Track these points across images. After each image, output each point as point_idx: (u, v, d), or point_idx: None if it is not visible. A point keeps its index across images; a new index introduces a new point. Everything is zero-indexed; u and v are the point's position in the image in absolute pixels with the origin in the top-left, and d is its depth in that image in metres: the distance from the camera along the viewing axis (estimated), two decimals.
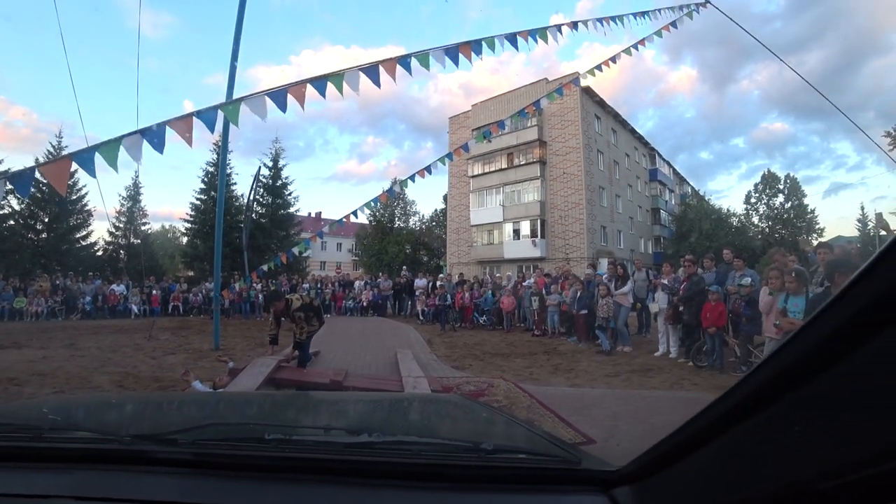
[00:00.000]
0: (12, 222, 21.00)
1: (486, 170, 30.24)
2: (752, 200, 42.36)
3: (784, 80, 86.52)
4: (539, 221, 27.60)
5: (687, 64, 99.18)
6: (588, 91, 27.66)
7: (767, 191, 41.83)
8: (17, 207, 20.96)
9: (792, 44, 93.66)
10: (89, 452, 0.81)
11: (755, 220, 41.79)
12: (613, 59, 8.57)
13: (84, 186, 22.40)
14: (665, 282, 7.94)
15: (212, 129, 4.04)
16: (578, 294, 9.44)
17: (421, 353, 8.48)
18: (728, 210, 40.10)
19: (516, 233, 28.59)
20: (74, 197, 22.41)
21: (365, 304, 16.67)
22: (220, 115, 4.11)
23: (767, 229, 40.45)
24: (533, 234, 27.75)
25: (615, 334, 8.44)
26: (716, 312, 6.44)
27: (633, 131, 34.96)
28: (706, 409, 0.60)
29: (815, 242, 14.52)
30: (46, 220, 21.73)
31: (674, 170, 43.93)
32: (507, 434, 1.16)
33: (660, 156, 39.13)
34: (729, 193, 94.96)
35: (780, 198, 41.39)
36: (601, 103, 29.95)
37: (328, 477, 0.76)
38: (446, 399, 1.91)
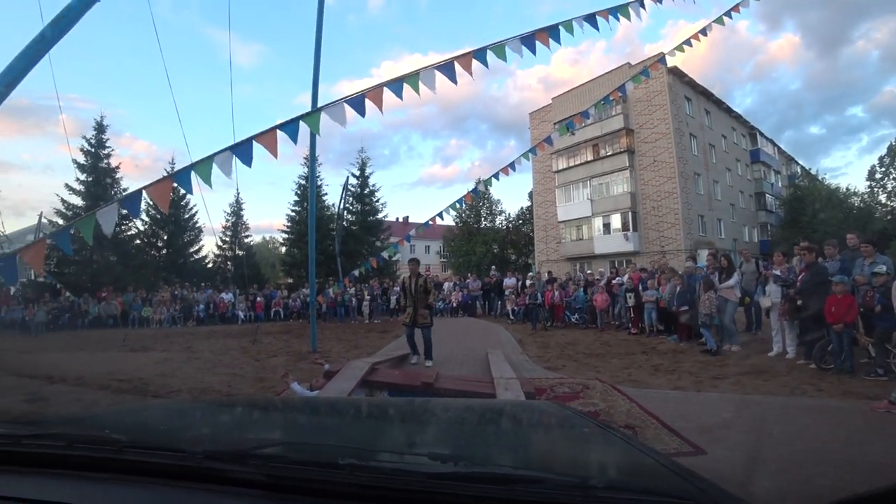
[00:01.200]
0: (138, 241, 23.74)
1: (572, 163, 29.26)
2: (878, 176, 36.51)
3: None
4: (630, 214, 26.24)
5: (788, 30, 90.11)
6: (676, 71, 25.91)
7: None
8: (141, 228, 23.71)
9: None
10: (165, 468, 0.82)
11: (882, 198, 36.14)
12: (703, 32, 7.90)
13: (194, 206, 24.78)
14: (778, 273, 7.16)
15: (294, 140, 4.22)
16: (678, 289, 8.84)
17: (512, 353, 8.37)
18: (847, 189, 35.84)
19: (606, 227, 27.36)
20: (187, 216, 24.85)
21: (455, 304, 16.86)
22: (302, 126, 4.28)
23: None
24: (624, 227, 26.43)
25: (721, 332, 7.78)
26: (843, 306, 5.63)
27: (728, 110, 32.13)
28: None
29: None
30: (165, 237, 24.30)
31: (779, 149, 39.62)
32: (616, 459, 1.01)
33: (761, 134, 35.51)
34: (847, 170, 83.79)
35: None
36: (691, 83, 27.91)
37: None
38: (540, 408, 1.76)
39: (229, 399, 3.81)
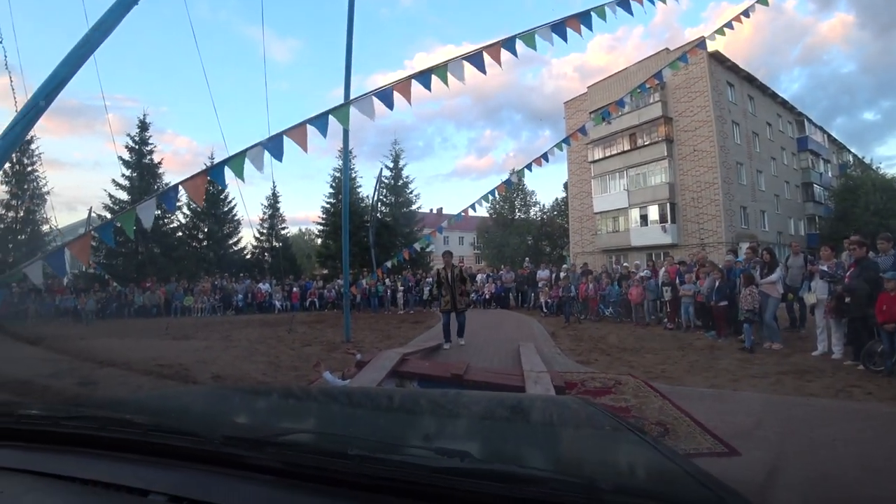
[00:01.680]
0: (180, 234, 24.73)
1: (608, 153, 28.62)
2: None
3: None
4: (668, 205, 25.56)
5: (840, 9, 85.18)
6: (717, 56, 24.93)
7: None
8: (183, 221, 24.69)
9: None
10: (186, 451, 0.87)
11: None
12: (746, 13, 7.55)
13: (233, 199, 25.53)
14: (825, 268, 6.79)
15: (324, 135, 4.27)
16: (717, 283, 8.56)
17: (544, 346, 8.32)
18: None
19: (643, 218, 26.75)
20: (225, 209, 25.63)
21: (487, 296, 16.87)
22: (333, 120, 4.33)
23: None
24: (662, 219, 25.79)
25: (761, 329, 7.49)
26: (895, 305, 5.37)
27: (774, 96, 30.63)
28: None
29: None
30: (206, 230, 25.14)
31: (829, 136, 37.51)
32: (633, 462, 0.98)
33: (810, 121, 33.72)
34: None
35: None
36: (734, 68, 26.78)
37: (411, 501, 0.72)
38: (563, 404, 1.74)
39: (255, 387, 3.93)
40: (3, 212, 20.78)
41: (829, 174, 35.81)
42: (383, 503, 0.73)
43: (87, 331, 12.33)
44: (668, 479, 0.84)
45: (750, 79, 28.12)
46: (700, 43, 9.65)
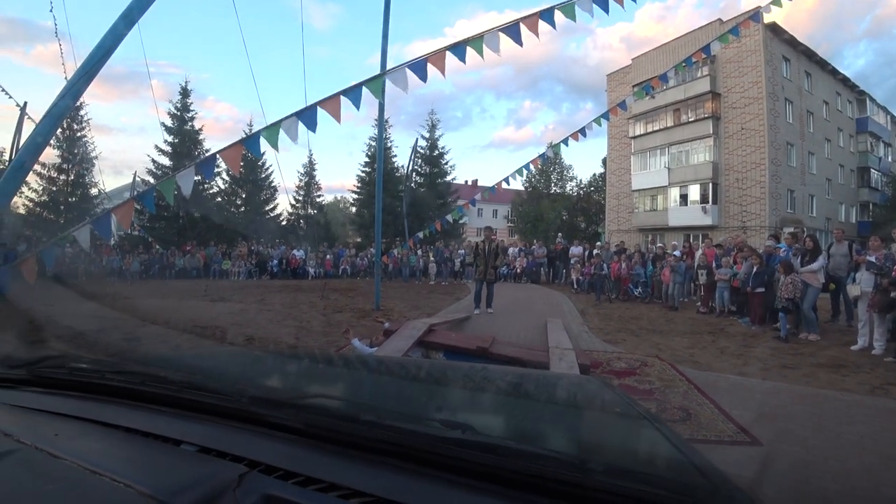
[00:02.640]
0: (219, 199, 25.35)
1: (650, 129, 27.49)
2: None
3: None
4: (710, 185, 24.51)
5: None
6: (774, 28, 23.40)
7: None
8: (222, 187, 25.27)
9: None
10: (215, 408, 0.95)
11: None
12: None
13: (270, 166, 25.91)
14: (872, 259, 6.47)
15: (357, 106, 4.32)
16: (755, 269, 8.28)
17: (572, 323, 8.31)
18: None
19: (683, 198, 25.77)
20: (263, 176, 26.09)
21: (519, 270, 16.81)
22: (366, 91, 4.34)
23: None
24: (703, 199, 24.78)
25: (798, 319, 7.26)
26: None
27: (834, 73, 28.54)
28: None
29: None
30: (244, 196, 25.73)
31: (892, 118, 34.56)
32: (634, 446, 1.01)
33: (872, 101, 31.32)
34: None
35: None
36: (791, 41, 25.04)
37: (416, 467, 0.76)
38: (580, 384, 1.76)
39: (284, 351, 4.11)
40: (56, 175, 21.71)
41: (890, 159, 33.38)
42: (389, 466, 0.77)
43: (132, 290, 12.98)
44: (664, 465, 0.86)
45: (808, 53, 26.32)
46: (754, 14, 9.12)
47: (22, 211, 20.72)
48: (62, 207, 21.59)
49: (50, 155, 21.13)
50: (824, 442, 3.11)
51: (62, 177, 21.83)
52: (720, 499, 0.70)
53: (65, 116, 4.30)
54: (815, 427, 3.44)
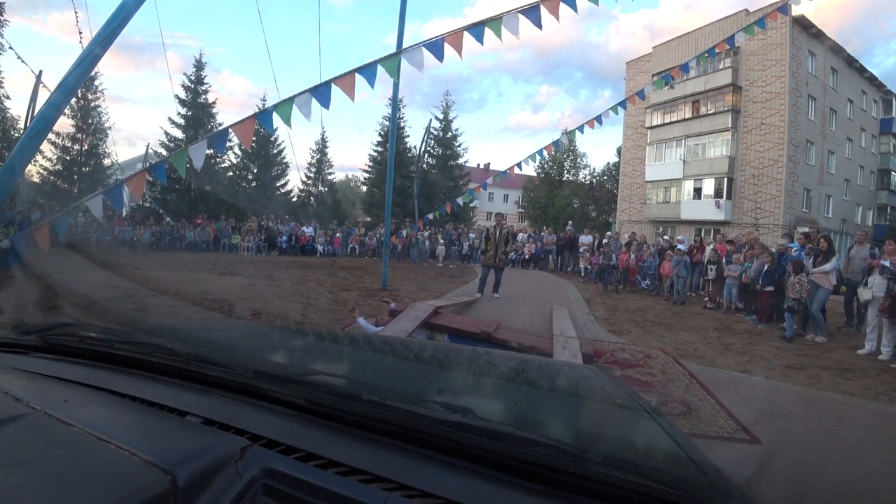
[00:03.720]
0: (231, 174, 25.36)
1: (667, 120, 26.99)
2: None
3: None
4: (725, 180, 24.11)
5: None
6: (802, 21, 22.69)
7: None
8: (234, 161, 25.23)
9: None
10: (220, 381, 0.97)
11: None
12: None
13: (282, 142, 25.81)
14: (886, 264, 6.36)
15: (372, 85, 4.29)
16: (766, 267, 8.21)
17: (578, 311, 8.34)
18: None
19: (697, 192, 25.40)
20: (275, 151, 25.97)
21: (527, 256, 16.81)
22: (381, 70, 4.31)
23: None
24: (717, 194, 24.40)
25: (806, 319, 7.20)
26: None
27: (861, 70, 27.65)
28: None
29: None
30: (255, 171, 25.72)
31: None
32: (631, 438, 1.01)
33: None
34: None
35: None
36: (818, 36, 24.24)
37: (415, 448, 0.78)
38: (580, 373, 1.76)
39: (290, 326, 4.16)
40: (70, 144, 21.79)
41: None
42: (389, 446, 0.79)
43: (142, 261, 13.12)
44: (661, 458, 0.87)
45: (836, 49, 25.55)
46: (782, 6, 8.88)
47: (36, 179, 20.91)
48: (76, 177, 21.73)
49: (64, 124, 21.23)
50: (824, 444, 3.11)
51: (76, 146, 21.89)
52: (716, 494, 0.70)
53: (79, 86, 4.31)
54: (816, 429, 3.43)
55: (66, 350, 1.15)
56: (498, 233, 9.16)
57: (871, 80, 28.80)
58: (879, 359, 5.95)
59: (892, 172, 30.32)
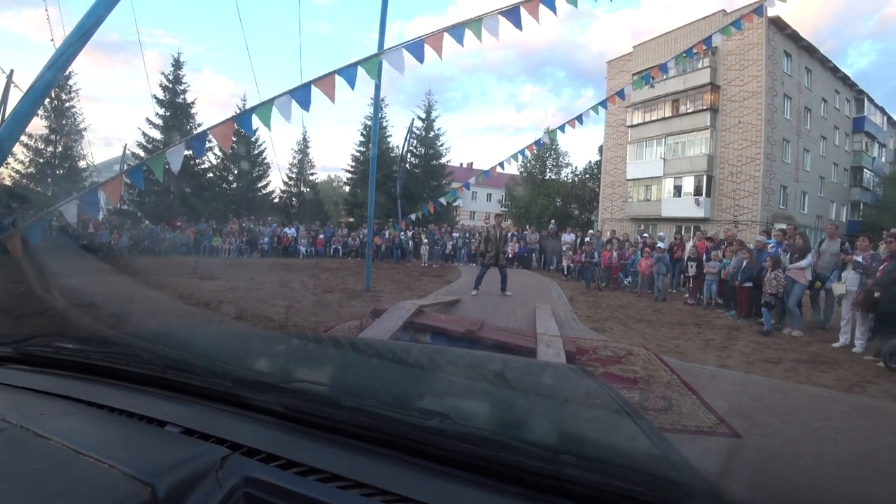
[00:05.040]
0: (211, 175, 25.03)
1: (647, 118, 27.38)
2: None
3: None
4: (705, 177, 24.54)
5: None
6: (777, 22, 23.20)
7: None
8: (214, 162, 24.88)
9: None
10: (200, 389, 0.96)
11: None
12: None
13: (263, 142, 25.52)
14: (859, 259, 6.55)
15: (352, 86, 4.28)
16: (744, 263, 8.37)
17: (561, 310, 8.40)
18: None
19: (677, 189, 25.79)
20: (256, 152, 25.69)
21: (510, 255, 16.85)
22: (361, 71, 4.30)
23: None
24: (697, 191, 24.82)
25: (783, 314, 7.36)
26: None
27: (834, 70, 28.44)
28: None
29: None
30: (236, 172, 25.43)
31: (889, 119, 34.41)
32: (609, 439, 1.01)
33: (870, 101, 31.25)
34: None
35: None
36: (794, 36, 24.83)
37: (395, 453, 0.78)
38: (563, 374, 1.78)
39: (271, 332, 4.12)
40: (43, 146, 21.24)
41: (883, 159, 33.51)
42: (369, 452, 0.79)
43: (120, 266, 12.86)
44: (637, 458, 0.87)
45: (810, 49, 26.16)
46: (758, 8, 9.07)
47: (8, 182, 20.36)
48: (49, 180, 21.19)
49: (37, 126, 20.68)
50: (800, 436, 3.19)
51: (49, 148, 21.36)
52: (689, 494, 0.72)
53: (52, 87, 4.21)
54: (793, 421, 3.52)
55: (43, 361, 1.13)
56: (498, 233, 9.56)
57: (844, 79, 29.56)
58: (853, 351, 6.12)
59: (865, 170, 31.14)
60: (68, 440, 0.75)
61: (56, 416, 0.88)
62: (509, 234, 10.12)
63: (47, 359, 1.13)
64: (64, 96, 21.44)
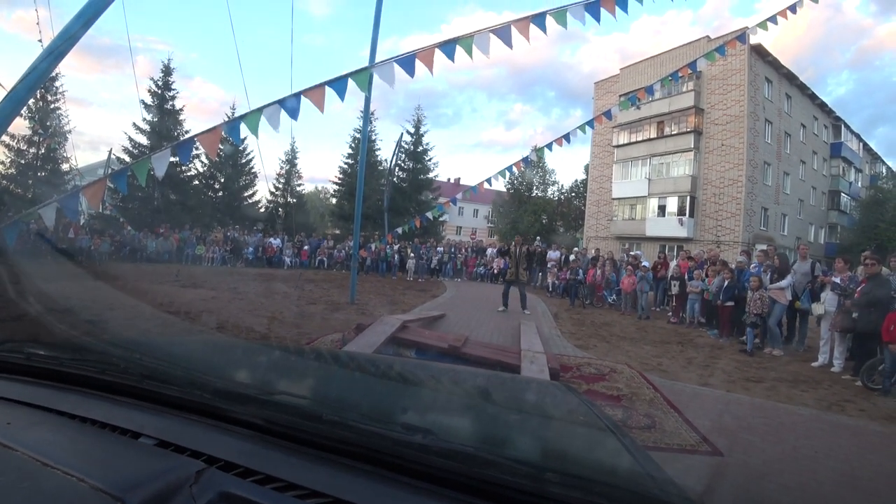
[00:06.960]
0: (196, 182, 24.70)
1: (633, 139, 27.87)
2: None
3: None
4: (688, 198, 24.97)
5: None
6: (759, 50, 23.96)
7: None
8: (200, 169, 24.60)
9: None
10: (177, 400, 0.94)
11: None
12: (793, 9, 7.25)
13: (251, 151, 25.34)
14: (837, 280, 6.71)
15: (342, 98, 4.27)
16: (726, 283, 8.48)
17: (545, 326, 8.40)
18: None
19: (661, 209, 26.23)
20: (243, 161, 25.51)
21: (496, 271, 16.87)
22: (351, 83, 4.31)
23: None
24: (680, 211, 25.23)
25: (764, 334, 7.46)
26: None
27: (813, 97, 29.30)
28: None
29: None
30: (222, 180, 25.17)
31: (865, 145, 35.80)
32: (592, 457, 1.01)
33: (847, 127, 32.30)
34: None
35: None
36: (774, 63, 25.62)
37: (376, 469, 0.76)
38: (546, 390, 1.77)
39: (252, 343, 4.06)
40: (25, 148, 20.79)
41: (859, 184, 34.55)
42: (350, 468, 0.77)
43: (100, 271, 12.61)
44: (620, 476, 0.88)
45: (790, 76, 27.01)
46: (740, 35, 9.31)
47: None
48: (30, 182, 20.73)
49: (20, 126, 20.27)
50: (781, 454, 3.21)
51: (32, 150, 20.92)
52: None
53: (36, 89, 4.15)
54: (774, 440, 3.55)
55: (13, 368, 1.09)
56: (518, 250, 9.65)
57: (822, 106, 30.50)
58: (832, 371, 6.22)
59: (842, 194, 32.01)
60: (35, 451, 0.72)
61: (24, 425, 0.84)
62: (531, 252, 10.75)
63: (18, 365, 1.09)
64: (49, 97, 21.07)
